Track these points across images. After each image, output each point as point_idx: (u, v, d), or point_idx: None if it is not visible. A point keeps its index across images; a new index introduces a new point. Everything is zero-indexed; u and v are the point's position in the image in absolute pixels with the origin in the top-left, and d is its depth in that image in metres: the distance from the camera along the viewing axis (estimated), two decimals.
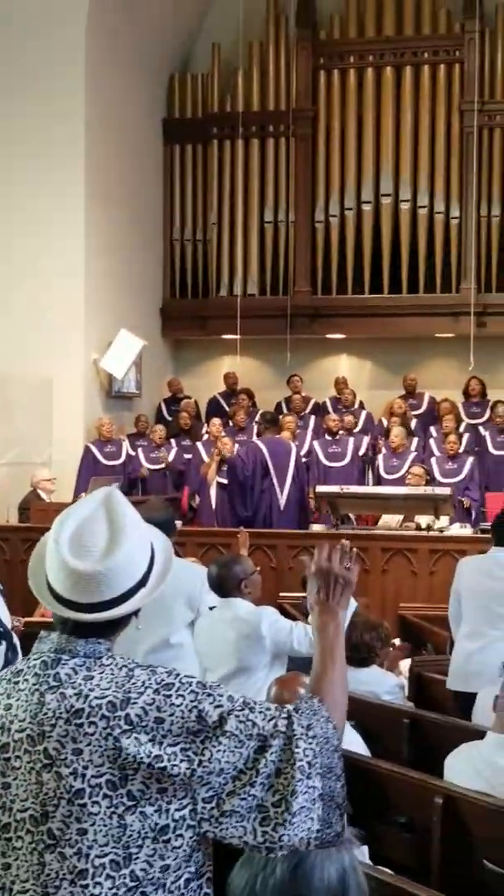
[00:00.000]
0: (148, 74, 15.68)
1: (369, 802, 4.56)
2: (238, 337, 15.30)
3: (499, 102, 15.32)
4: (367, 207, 15.50)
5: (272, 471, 11.98)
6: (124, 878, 2.12)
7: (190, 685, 2.18)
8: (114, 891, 2.12)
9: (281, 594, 9.87)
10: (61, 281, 13.65)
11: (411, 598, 10.40)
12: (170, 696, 2.15)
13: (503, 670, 4.82)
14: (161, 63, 16.02)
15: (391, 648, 6.70)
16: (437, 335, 15.60)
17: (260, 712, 2.17)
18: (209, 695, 2.17)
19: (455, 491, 12.08)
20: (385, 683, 6.31)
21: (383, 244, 15.40)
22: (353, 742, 5.05)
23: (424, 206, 15.38)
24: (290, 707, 2.20)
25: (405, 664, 7.50)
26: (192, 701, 2.15)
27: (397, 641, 8.53)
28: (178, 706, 2.14)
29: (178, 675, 2.21)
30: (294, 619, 6.17)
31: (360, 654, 6.07)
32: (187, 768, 2.10)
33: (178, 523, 11.41)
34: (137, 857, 2.12)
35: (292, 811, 2.09)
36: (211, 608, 5.64)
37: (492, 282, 15.25)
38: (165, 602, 5.70)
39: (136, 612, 2.36)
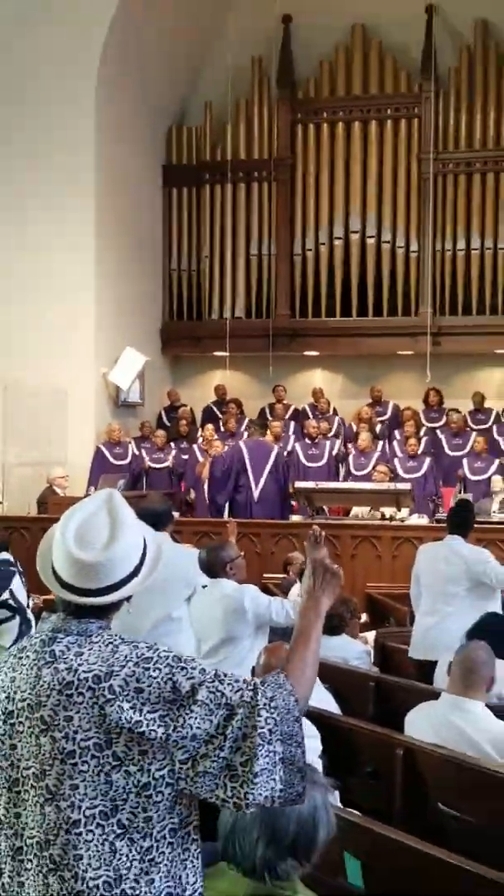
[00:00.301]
0: (149, 127, 15.66)
1: (340, 754, 4.57)
2: (227, 354, 15.30)
3: (452, 153, 15.33)
4: (338, 242, 15.49)
5: (249, 469, 11.99)
6: (112, 826, 2.14)
7: (167, 659, 2.19)
8: (104, 837, 2.14)
9: (264, 575, 9.87)
10: (75, 306, 13.64)
11: (377, 578, 10.40)
12: (148, 668, 2.16)
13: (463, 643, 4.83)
14: (160, 117, 16.00)
15: (358, 621, 6.72)
16: (398, 353, 15.58)
17: (229, 684, 2.17)
18: (183, 668, 2.17)
19: (415, 486, 12.15)
20: (353, 650, 6.35)
21: (352, 274, 15.40)
22: (327, 702, 5.07)
23: (388, 241, 15.37)
24: (257, 680, 2.20)
25: (370, 635, 7.51)
26: (167, 673, 2.16)
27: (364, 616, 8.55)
28: (155, 678, 2.15)
29: (157, 649, 2.21)
30: (275, 595, 6.18)
31: (332, 623, 6.11)
32: (163, 733, 2.11)
33: (176, 514, 11.45)
34: (123, 809, 2.14)
35: (255, 772, 2.10)
36: (203, 587, 5.66)
37: (446, 307, 15.25)
38: (167, 582, 5.70)
39: (128, 598, 2.36)
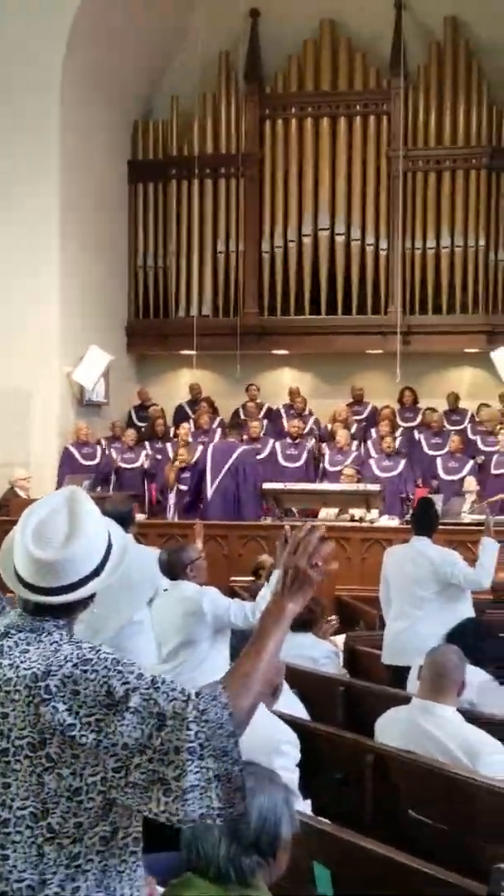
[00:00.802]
0: (115, 122, 15.60)
1: (309, 760, 4.56)
2: (194, 352, 15.26)
3: (421, 150, 15.37)
4: (307, 240, 15.50)
5: (208, 468, 11.99)
6: (42, 829, 2.11)
7: (105, 661, 2.14)
8: (31, 839, 2.11)
9: (232, 578, 9.85)
10: (38, 304, 13.57)
11: (346, 581, 10.39)
12: (86, 670, 2.12)
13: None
14: (127, 112, 15.94)
15: (328, 625, 6.72)
16: (367, 351, 15.61)
17: (164, 692, 2.09)
18: (119, 671, 2.12)
19: (390, 485, 12.23)
20: (321, 649, 6.37)
21: (321, 271, 15.41)
22: (295, 706, 5.06)
23: (357, 239, 15.39)
24: (192, 691, 2.11)
25: (340, 638, 7.51)
26: (103, 676, 2.11)
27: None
28: (91, 680, 2.11)
29: (98, 651, 2.17)
30: (242, 599, 6.17)
31: (301, 619, 6.12)
32: (94, 738, 2.07)
33: (143, 517, 11.44)
34: (54, 813, 2.10)
35: (184, 787, 2.02)
36: (165, 590, 5.66)
37: (415, 305, 15.30)
38: (133, 583, 5.72)
39: (91, 597, 2.33)
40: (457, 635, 5.43)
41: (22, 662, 2.17)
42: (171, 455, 13.43)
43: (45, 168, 13.61)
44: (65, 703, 2.09)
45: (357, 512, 11.33)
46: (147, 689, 2.09)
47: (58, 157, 13.66)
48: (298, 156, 15.65)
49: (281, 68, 15.88)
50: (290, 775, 3.95)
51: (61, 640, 2.21)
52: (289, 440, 13.75)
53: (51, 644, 2.20)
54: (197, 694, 2.10)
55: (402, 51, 15.28)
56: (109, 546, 2.36)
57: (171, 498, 12.70)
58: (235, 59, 15.92)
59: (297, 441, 13.66)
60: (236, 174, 15.83)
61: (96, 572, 2.30)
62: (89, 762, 2.08)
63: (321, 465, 13.54)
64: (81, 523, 2.28)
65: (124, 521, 5.90)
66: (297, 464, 13.49)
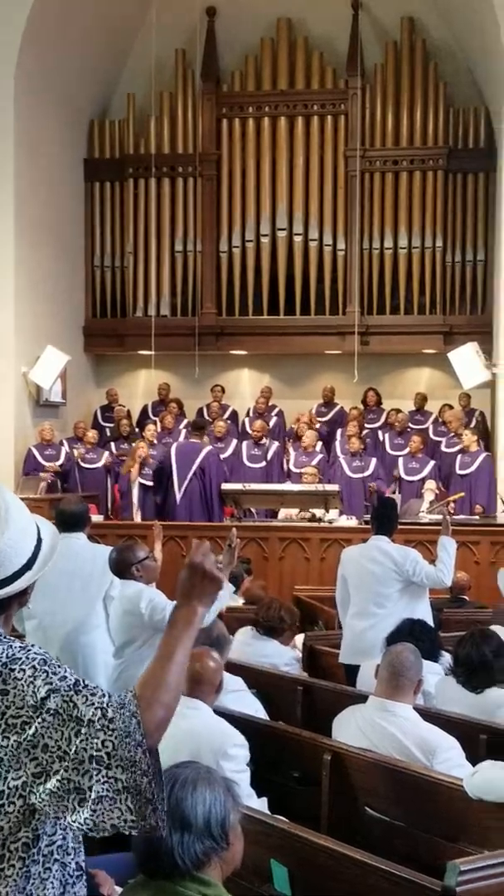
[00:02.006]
0: (71, 120, 15.56)
1: (268, 759, 4.59)
2: (152, 353, 15.25)
3: (378, 150, 15.46)
4: (265, 240, 15.55)
5: (174, 469, 12.01)
6: None
7: (33, 661, 2.12)
8: None
9: None
10: None
11: (304, 580, 10.46)
12: (13, 669, 2.11)
13: (385, 646, 4.90)
14: (82, 110, 15.91)
15: (293, 634, 6.79)
16: (326, 352, 15.69)
17: (83, 696, 2.07)
18: (45, 671, 2.10)
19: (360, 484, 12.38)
20: (284, 656, 6.43)
21: (279, 272, 15.46)
22: (254, 707, 5.10)
23: (315, 240, 15.46)
24: (106, 699, 2.07)
25: (299, 638, 7.55)
26: (29, 676, 2.09)
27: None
28: (19, 679, 2.09)
29: (28, 650, 2.15)
30: None
31: (271, 625, 6.19)
32: (16, 740, 2.06)
33: (100, 518, 11.43)
34: None
35: (94, 798, 2.01)
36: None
37: (374, 305, 15.39)
38: (85, 581, 5.77)
39: (26, 592, 2.31)
40: (398, 634, 5.45)
41: None
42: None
43: None
44: None
45: (316, 512, 11.38)
46: (68, 691, 2.07)
47: (13, 157, 13.56)
48: (256, 155, 15.70)
49: (238, 67, 15.92)
50: (241, 776, 3.98)
51: None
52: (252, 441, 13.76)
53: None
54: (108, 703, 2.07)
55: (360, 51, 15.37)
56: (40, 540, 2.34)
57: (135, 496, 12.68)
58: (192, 57, 15.93)
59: (261, 442, 13.68)
60: (193, 173, 15.85)
61: (28, 566, 2.28)
62: (12, 766, 2.07)
63: (286, 465, 13.59)
64: (9, 518, 2.26)
65: (79, 521, 5.97)
66: (261, 464, 13.53)
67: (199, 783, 2.62)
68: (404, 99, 15.42)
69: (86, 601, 5.81)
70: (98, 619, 5.83)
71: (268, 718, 5.17)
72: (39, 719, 2.05)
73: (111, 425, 15.30)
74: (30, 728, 2.06)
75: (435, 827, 3.92)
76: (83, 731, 2.03)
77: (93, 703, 2.06)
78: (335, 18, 15.44)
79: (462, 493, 12.15)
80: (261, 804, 4.12)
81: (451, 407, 14.63)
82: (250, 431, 14.01)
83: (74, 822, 2.03)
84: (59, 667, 2.14)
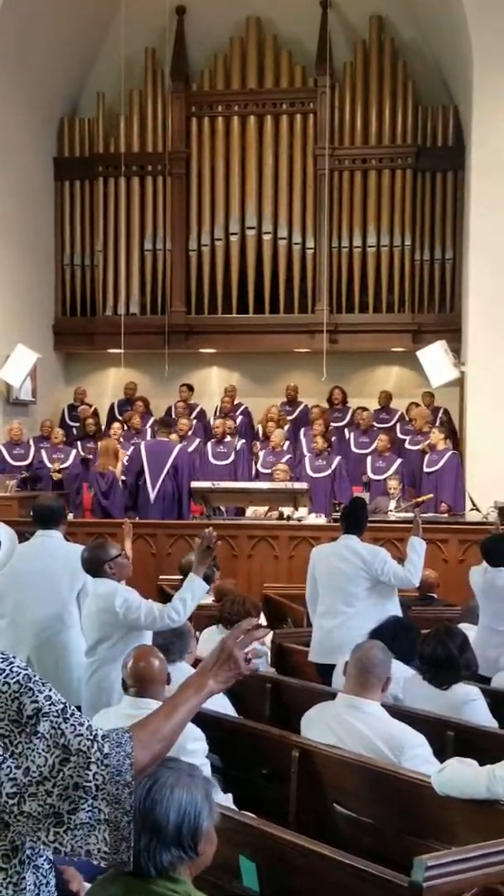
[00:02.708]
0: (40, 118, 15.51)
1: (237, 756, 4.61)
2: (122, 351, 15.22)
3: (347, 148, 15.49)
4: (234, 238, 15.55)
5: (146, 469, 11.99)
6: None
7: (17, 675, 2.12)
8: None
9: (161, 577, 9.87)
10: None
11: (274, 578, 10.47)
12: None
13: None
14: (52, 108, 15.86)
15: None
16: (295, 350, 15.71)
17: (71, 724, 2.10)
18: (30, 689, 2.11)
19: (322, 484, 12.37)
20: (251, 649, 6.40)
21: (248, 270, 15.47)
22: (222, 704, 5.11)
23: (284, 238, 15.48)
24: (99, 731, 2.13)
25: (268, 636, 7.57)
26: (15, 691, 2.09)
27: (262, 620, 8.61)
28: (3, 693, 2.09)
29: (11, 662, 2.15)
30: (170, 598, 6.19)
31: (239, 619, 6.18)
32: (1, 754, 2.06)
33: (70, 515, 11.39)
34: None
35: (76, 823, 2.05)
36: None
37: (342, 304, 15.43)
38: (55, 578, 5.77)
39: None
40: (381, 631, 5.51)
41: None
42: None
43: None
44: None
45: (285, 510, 11.40)
46: (57, 717, 2.09)
47: None
48: (225, 154, 15.70)
49: (207, 66, 15.91)
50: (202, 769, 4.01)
51: None
52: (215, 440, 13.76)
53: None
54: (104, 736, 2.12)
55: (328, 49, 15.38)
56: None
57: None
58: (161, 56, 15.91)
59: (224, 440, 13.69)
60: (163, 172, 15.84)
61: None
62: None
63: (255, 465, 13.60)
64: None
65: (55, 516, 5.96)
66: (226, 462, 13.54)
67: (177, 788, 2.59)
68: (373, 97, 15.45)
69: (57, 600, 5.81)
70: (71, 619, 5.82)
71: (236, 715, 5.18)
72: (25, 739, 2.07)
73: (78, 424, 15.26)
74: (14, 745, 2.07)
75: (403, 824, 3.94)
76: (72, 759, 2.06)
77: (81, 734, 2.09)
78: (304, 17, 15.45)
79: (431, 495, 12.20)
80: (225, 799, 4.14)
81: (418, 405, 14.66)
82: (213, 430, 14.02)
83: (51, 842, 2.07)
84: (43, 685, 2.14)
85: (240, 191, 15.61)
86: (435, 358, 13.71)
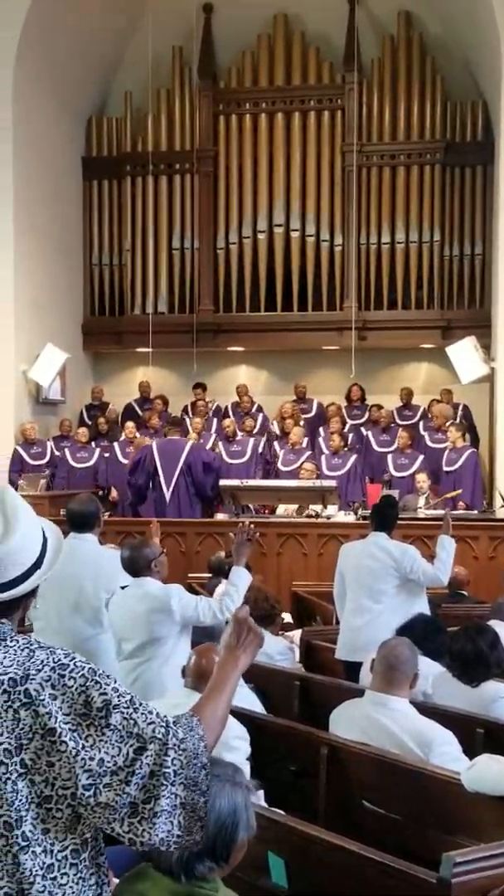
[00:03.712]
0: (69, 118, 15.58)
1: (265, 753, 4.62)
2: (150, 350, 15.26)
3: (375, 144, 15.47)
4: (262, 236, 15.56)
5: (159, 469, 11.96)
6: (17, 838, 2.10)
7: (82, 669, 2.15)
8: (7, 848, 2.10)
9: (189, 575, 9.90)
10: None
11: (302, 576, 10.46)
12: (63, 675, 2.13)
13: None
14: (80, 108, 15.93)
15: (281, 620, 6.82)
16: (323, 347, 15.70)
17: (142, 714, 2.14)
18: (97, 682, 2.14)
19: (339, 483, 12.33)
20: (276, 646, 6.46)
21: (276, 268, 15.47)
22: (251, 701, 5.13)
23: (312, 235, 15.47)
24: (169, 718, 2.18)
25: (297, 634, 7.59)
26: (81, 685, 2.13)
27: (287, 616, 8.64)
28: (70, 687, 2.12)
29: (73, 657, 2.18)
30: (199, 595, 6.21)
31: (264, 614, 6.23)
32: (73, 747, 2.09)
33: (106, 514, 11.43)
34: (25, 820, 2.10)
35: (155, 812, 2.10)
36: (123, 587, 5.67)
37: (371, 301, 15.41)
38: (86, 587, 5.70)
39: (32, 593, 2.34)
40: (410, 629, 5.51)
41: None
42: (118, 455, 13.50)
43: None
44: (44, 708, 2.10)
45: (314, 508, 11.39)
46: (127, 708, 2.14)
47: (11, 156, 13.60)
48: (253, 151, 15.71)
49: (234, 63, 15.93)
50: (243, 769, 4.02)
51: (30, 644, 2.22)
52: (228, 439, 13.73)
53: (22, 649, 2.20)
54: (175, 722, 2.18)
55: (356, 45, 15.37)
56: (45, 540, 2.37)
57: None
58: (188, 54, 15.94)
59: (237, 438, 13.67)
60: (191, 170, 15.88)
61: (36, 565, 2.31)
62: (61, 774, 2.10)
63: (276, 464, 13.58)
64: (14, 520, 2.29)
65: (89, 520, 5.89)
66: (241, 460, 13.52)
67: (219, 798, 2.59)
68: (401, 93, 15.42)
69: (89, 606, 5.70)
70: (102, 625, 5.71)
71: (264, 712, 5.19)
72: (97, 731, 2.11)
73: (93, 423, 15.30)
74: (86, 738, 2.10)
75: (432, 820, 3.94)
76: (149, 748, 2.11)
77: (153, 722, 2.15)
78: (331, 14, 15.44)
79: (460, 490, 12.13)
80: (257, 797, 4.15)
81: (439, 402, 14.58)
82: (223, 428, 13.98)
83: (126, 833, 2.12)
84: (108, 677, 2.18)
85: (267, 188, 15.63)
86: (464, 354, 13.66)
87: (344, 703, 4.70)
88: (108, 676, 2.18)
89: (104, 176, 16.23)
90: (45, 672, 2.14)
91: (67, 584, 5.62)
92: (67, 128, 15.62)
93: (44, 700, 2.11)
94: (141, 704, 2.17)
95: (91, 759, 2.09)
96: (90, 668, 2.17)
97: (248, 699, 5.06)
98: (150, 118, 15.91)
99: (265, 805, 4.02)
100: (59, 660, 2.17)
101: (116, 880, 2.73)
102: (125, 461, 13.10)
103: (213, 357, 15.96)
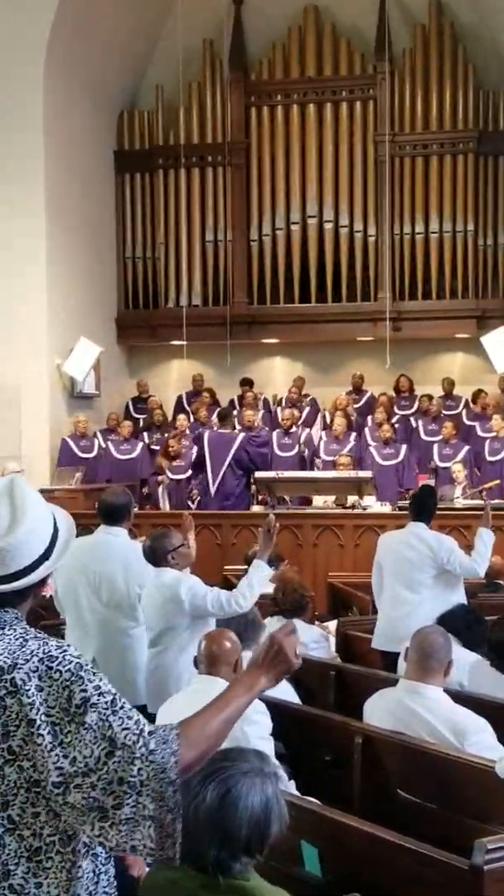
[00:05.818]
0: (100, 112, 15.62)
1: (301, 742, 4.63)
2: (184, 343, 15.27)
3: (407, 134, 15.41)
4: (295, 227, 15.54)
5: (208, 461, 12.00)
6: (3, 819, 2.13)
7: (69, 664, 2.15)
8: None
9: (226, 567, 9.92)
10: (27, 297, 13.58)
11: (339, 567, 10.47)
12: (51, 668, 2.14)
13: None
14: (111, 101, 15.96)
15: (312, 611, 6.83)
16: (358, 339, 15.67)
17: (120, 717, 2.11)
18: (80, 678, 2.14)
19: (392, 473, 12.39)
20: (310, 634, 6.47)
21: (310, 259, 15.45)
22: (286, 691, 5.13)
23: (345, 226, 15.44)
24: (146, 726, 2.13)
25: (333, 624, 7.59)
26: (66, 679, 2.13)
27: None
28: (55, 680, 2.13)
29: (65, 650, 2.19)
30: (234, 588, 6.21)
31: (295, 603, 6.23)
32: (49, 742, 2.09)
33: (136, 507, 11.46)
34: (13, 804, 2.13)
35: (122, 819, 2.07)
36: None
37: (405, 291, 15.36)
38: (116, 580, 5.72)
39: (44, 580, 2.35)
40: (449, 619, 5.49)
41: None
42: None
43: (30, 161, 13.59)
44: (28, 698, 2.11)
45: (350, 499, 11.38)
46: (105, 709, 2.11)
47: (43, 150, 13.65)
48: (285, 143, 15.69)
49: (265, 55, 15.91)
50: (265, 744, 4.04)
51: (26, 634, 2.24)
52: (282, 431, 13.73)
53: (16, 638, 2.22)
54: (150, 732, 2.12)
55: (387, 35, 15.30)
56: (56, 529, 2.38)
57: (161, 489, 12.79)
58: (219, 46, 15.94)
59: (291, 431, 13.68)
60: (223, 162, 15.87)
61: (45, 556, 2.32)
62: (36, 765, 2.10)
63: (318, 455, 13.57)
64: (23, 510, 2.30)
65: (120, 513, 5.88)
66: (292, 453, 13.52)
67: (251, 795, 2.58)
68: (433, 83, 15.35)
69: (119, 600, 5.71)
70: (134, 619, 5.72)
71: (299, 702, 5.20)
72: (73, 728, 2.10)
73: (143, 416, 15.36)
74: (63, 734, 2.10)
75: (465, 809, 3.93)
76: (117, 753, 2.08)
77: (128, 728, 2.10)
78: (362, 4, 15.41)
79: (498, 481, 12.08)
80: (290, 788, 4.15)
81: (483, 392, 14.54)
82: (280, 420, 14.01)
83: (96, 836, 2.09)
84: (94, 674, 2.17)
85: (300, 179, 15.61)
86: (499, 343, 13.57)
87: (378, 693, 4.70)
88: (94, 673, 2.16)
89: (136, 169, 16.26)
90: (34, 662, 2.15)
91: (99, 580, 5.65)
92: (99, 122, 15.65)
93: (29, 690, 2.12)
94: (121, 707, 2.14)
95: (65, 756, 2.09)
96: (77, 662, 2.16)
97: (282, 689, 5.06)
98: (181, 111, 15.91)
99: (298, 794, 4.02)
100: (49, 651, 2.18)
101: (147, 868, 2.74)
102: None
103: (247, 349, 15.96)
